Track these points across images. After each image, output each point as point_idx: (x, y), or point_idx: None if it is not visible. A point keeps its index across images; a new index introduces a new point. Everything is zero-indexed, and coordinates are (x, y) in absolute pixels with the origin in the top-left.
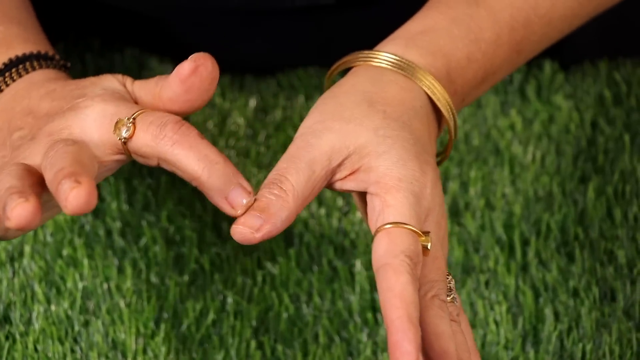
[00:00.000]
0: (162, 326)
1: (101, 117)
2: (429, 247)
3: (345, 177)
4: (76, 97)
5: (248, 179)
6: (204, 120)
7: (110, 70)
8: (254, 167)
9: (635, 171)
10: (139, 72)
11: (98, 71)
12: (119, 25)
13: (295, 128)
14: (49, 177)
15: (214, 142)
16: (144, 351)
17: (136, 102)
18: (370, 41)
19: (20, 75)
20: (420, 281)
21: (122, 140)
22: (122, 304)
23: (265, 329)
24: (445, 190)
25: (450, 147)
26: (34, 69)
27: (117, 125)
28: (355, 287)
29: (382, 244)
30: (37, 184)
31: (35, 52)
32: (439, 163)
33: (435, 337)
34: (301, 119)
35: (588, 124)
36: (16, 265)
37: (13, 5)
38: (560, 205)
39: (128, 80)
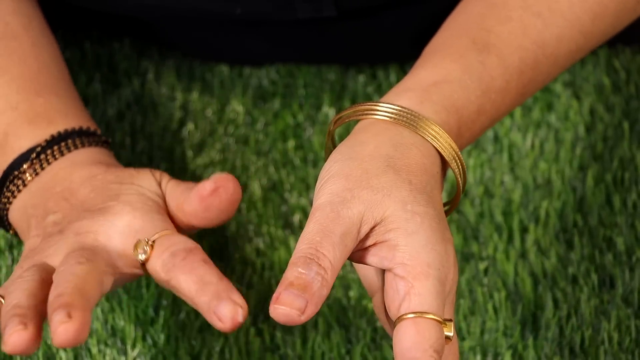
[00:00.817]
0: (161, 313)
1: (127, 231)
2: (451, 337)
3: (368, 247)
4: (111, 198)
5: (246, 167)
6: (202, 108)
7: (110, 59)
8: (253, 154)
9: (634, 158)
10: (138, 62)
11: (97, 60)
12: (115, 26)
13: (294, 116)
14: (50, 298)
15: (213, 130)
16: (143, 338)
17: (165, 202)
18: (374, 48)
19: (62, 154)
20: None
21: (140, 261)
22: (120, 290)
23: (264, 316)
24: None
25: (457, 200)
26: (76, 147)
27: (136, 246)
28: (354, 274)
29: (409, 335)
30: (46, 302)
31: (77, 128)
32: (446, 213)
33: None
34: (300, 107)
35: (587, 112)
36: (15, 252)
37: (53, 75)
38: (559, 192)
39: (164, 179)
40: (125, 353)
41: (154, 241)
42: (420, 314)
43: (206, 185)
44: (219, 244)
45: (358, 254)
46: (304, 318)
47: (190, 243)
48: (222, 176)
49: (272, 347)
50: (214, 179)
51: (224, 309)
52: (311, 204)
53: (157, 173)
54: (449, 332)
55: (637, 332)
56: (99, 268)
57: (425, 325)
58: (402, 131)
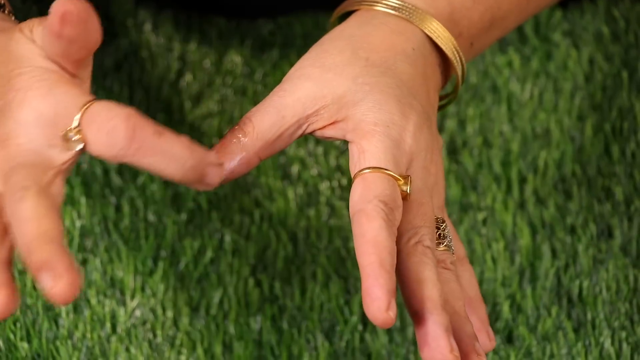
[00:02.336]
0: (160, 264)
1: (42, 122)
2: (408, 191)
3: (325, 127)
4: (4, 92)
5: None
6: (200, 59)
7: (107, 10)
8: (251, 105)
9: (633, 108)
10: (136, 12)
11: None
12: None
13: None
14: (23, 255)
15: (211, 81)
16: (142, 289)
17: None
18: None
19: None
20: (403, 227)
21: (77, 152)
22: (119, 242)
23: (263, 267)
24: (442, 128)
25: (458, 88)
26: None
27: (65, 138)
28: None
29: (357, 189)
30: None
31: None
32: (446, 104)
33: (417, 284)
34: (299, 57)
35: (586, 61)
36: None
37: None
38: (557, 142)
39: (35, 31)
40: (124, 304)
41: (79, 123)
42: (372, 169)
43: (53, 22)
44: (217, 195)
45: (319, 132)
46: (216, 179)
47: (121, 110)
48: (62, 3)
49: (270, 297)
50: (54, 12)
51: (213, 177)
52: (310, 155)
53: (27, 29)
54: (405, 186)
55: (635, 282)
56: (42, 182)
57: (372, 178)
58: (380, 16)
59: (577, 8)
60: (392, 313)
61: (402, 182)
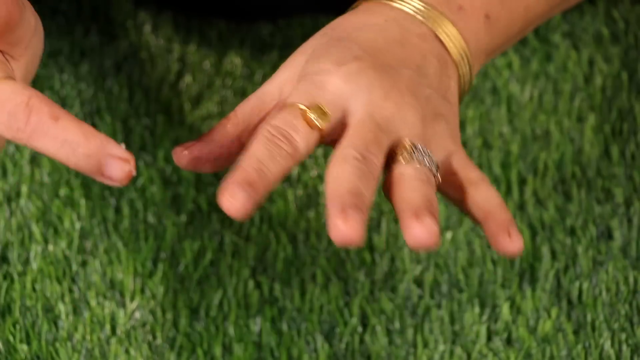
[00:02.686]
0: (160, 266)
1: None
2: (315, 121)
3: None
4: None
5: None
6: (200, 61)
7: (107, 11)
8: None
9: (632, 109)
10: (136, 13)
11: (94, 12)
12: None
13: None
14: None
15: (210, 82)
16: (142, 291)
17: None
18: None
19: None
20: (337, 147)
21: None
22: (119, 244)
23: (263, 269)
24: None
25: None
26: None
27: None
28: None
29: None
30: None
31: None
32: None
33: (331, 180)
34: None
35: (586, 62)
36: (13, 205)
37: None
38: (557, 143)
39: None
40: (124, 305)
41: None
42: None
43: None
44: (216, 195)
45: None
46: (186, 160)
47: (22, 93)
48: None
49: (270, 299)
50: None
51: (113, 170)
52: (310, 157)
53: None
54: (318, 118)
55: (635, 283)
56: None
57: (279, 111)
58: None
59: (577, 9)
60: None
61: (311, 110)
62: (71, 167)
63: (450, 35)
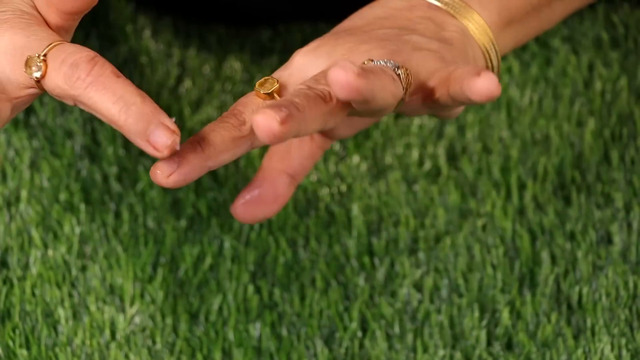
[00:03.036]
0: (160, 271)
1: (11, 50)
2: (256, 88)
3: None
4: None
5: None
6: (200, 65)
7: (107, 15)
8: None
9: (632, 114)
10: (135, 18)
11: (94, 16)
12: None
13: None
14: None
15: (210, 87)
16: (142, 296)
17: (38, 10)
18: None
19: None
20: None
21: (35, 79)
22: (119, 248)
23: (262, 274)
24: (442, 134)
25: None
26: None
27: (28, 63)
28: (352, 231)
29: None
30: None
31: None
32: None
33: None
34: None
35: (585, 67)
36: (13, 210)
37: None
38: (557, 148)
39: None
40: (123, 310)
41: (45, 54)
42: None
43: None
44: (217, 201)
45: None
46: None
47: (88, 51)
48: None
49: (270, 304)
50: None
51: (160, 137)
52: None
53: None
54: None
55: (635, 288)
56: None
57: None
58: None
59: (576, 14)
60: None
61: (261, 86)
62: (118, 125)
63: (479, 26)
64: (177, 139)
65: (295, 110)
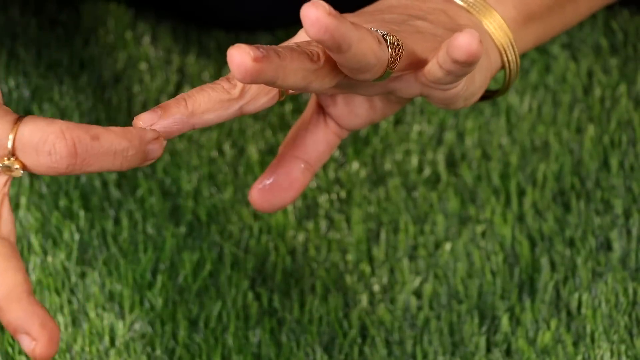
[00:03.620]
0: (159, 277)
1: None
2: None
3: None
4: None
5: (243, 130)
6: (199, 72)
7: (106, 22)
8: (250, 118)
9: (631, 120)
10: (135, 25)
11: (93, 22)
12: None
13: None
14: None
15: None
16: (141, 302)
17: None
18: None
19: None
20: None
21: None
22: (118, 255)
23: (262, 280)
24: (441, 140)
25: (506, 88)
26: None
27: (3, 169)
28: (351, 238)
29: None
30: None
31: None
32: (491, 96)
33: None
34: None
35: (584, 73)
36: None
37: None
38: (556, 155)
39: None
40: (123, 317)
41: (14, 154)
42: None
43: None
44: (216, 208)
45: None
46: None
47: (50, 130)
48: None
49: (269, 311)
50: None
51: (154, 153)
52: None
53: None
54: None
55: (634, 295)
56: None
57: None
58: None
59: None
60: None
61: None
62: (122, 170)
63: (496, 23)
64: (161, 137)
65: (274, 55)
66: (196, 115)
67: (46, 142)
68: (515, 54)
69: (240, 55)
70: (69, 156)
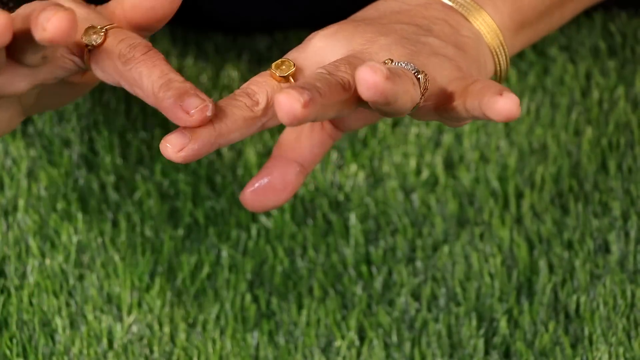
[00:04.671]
0: (157, 280)
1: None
2: (272, 69)
3: None
4: None
5: None
6: (197, 74)
7: None
8: None
9: (629, 123)
10: None
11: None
12: None
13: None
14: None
15: (208, 95)
16: (139, 305)
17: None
18: None
19: None
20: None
21: (89, 46)
22: (116, 257)
23: (260, 283)
24: (439, 143)
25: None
26: None
27: (88, 31)
28: (349, 240)
29: None
30: None
31: None
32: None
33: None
34: None
35: (583, 76)
36: (10, 219)
37: None
38: (554, 157)
39: None
40: (121, 319)
41: (106, 29)
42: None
43: None
44: (214, 210)
45: None
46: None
47: (147, 41)
48: None
49: (267, 313)
50: None
51: (192, 101)
52: None
53: None
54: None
55: (632, 297)
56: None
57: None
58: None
59: (574, 23)
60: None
61: (277, 68)
62: (157, 98)
63: (488, 26)
64: (210, 106)
65: (317, 95)
66: (223, 136)
67: (135, 39)
68: (506, 58)
69: (289, 103)
70: (142, 51)
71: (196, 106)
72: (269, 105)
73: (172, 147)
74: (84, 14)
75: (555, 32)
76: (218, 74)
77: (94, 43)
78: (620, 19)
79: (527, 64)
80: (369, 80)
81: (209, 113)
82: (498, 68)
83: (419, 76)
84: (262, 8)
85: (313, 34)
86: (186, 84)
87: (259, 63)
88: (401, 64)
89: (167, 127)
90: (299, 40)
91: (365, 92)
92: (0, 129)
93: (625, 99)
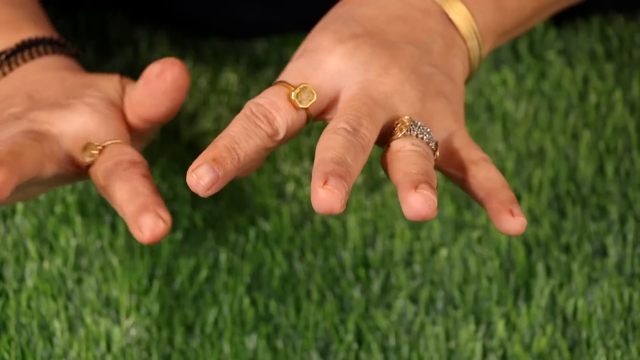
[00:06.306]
0: (155, 283)
1: (82, 130)
2: (295, 98)
3: None
4: (74, 96)
5: None
6: (195, 78)
7: (103, 29)
8: None
9: (627, 126)
10: (131, 31)
11: (90, 29)
12: None
13: None
14: None
15: (206, 100)
16: (137, 308)
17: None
18: None
19: (32, 58)
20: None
21: (84, 164)
22: (114, 261)
23: (258, 286)
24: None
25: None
26: (47, 53)
27: (86, 147)
28: (347, 243)
29: None
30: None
31: (47, 37)
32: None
33: (319, 150)
34: None
35: (580, 80)
36: (9, 222)
37: None
38: (552, 161)
39: (129, 84)
40: (119, 323)
41: (104, 147)
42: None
43: (152, 68)
44: (212, 214)
45: None
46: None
47: (137, 156)
48: (170, 59)
49: (265, 316)
50: (161, 61)
51: (146, 219)
52: (305, 173)
53: (125, 79)
54: (296, 94)
55: (630, 300)
56: (43, 149)
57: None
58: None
59: (571, 27)
60: None
61: (295, 90)
62: (122, 211)
63: (459, 12)
64: (163, 227)
65: (351, 182)
66: (244, 169)
67: (125, 155)
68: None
69: (331, 202)
70: (124, 167)
71: (147, 224)
72: (287, 137)
73: (204, 184)
74: (92, 126)
75: (552, 36)
76: (216, 77)
77: (88, 161)
78: (618, 23)
79: (524, 68)
80: (421, 212)
81: (159, 231)
82: (470, 62)
83: (432, 146)
84: (259, 11)
85: (328, 50)
86: (149, 198)
87: (257, 67)
88: (420, 126)
89: (166, 131)
90: (296, 44)
91: (410, 217)
92: (24, 197)
93: (623, 103)
